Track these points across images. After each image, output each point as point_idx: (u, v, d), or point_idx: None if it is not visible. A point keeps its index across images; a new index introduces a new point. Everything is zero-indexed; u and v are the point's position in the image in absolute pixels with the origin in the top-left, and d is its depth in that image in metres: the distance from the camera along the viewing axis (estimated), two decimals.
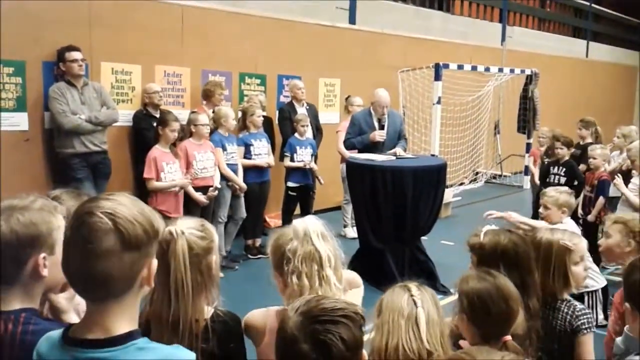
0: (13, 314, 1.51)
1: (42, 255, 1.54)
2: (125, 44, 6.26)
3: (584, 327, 2.38)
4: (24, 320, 1.50)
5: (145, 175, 5.34)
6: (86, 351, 1.28)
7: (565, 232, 2.62)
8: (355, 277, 2.44)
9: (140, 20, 6.37)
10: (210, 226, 1.97)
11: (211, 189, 5.74)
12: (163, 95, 6.41)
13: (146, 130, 5.99)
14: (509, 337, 1.88)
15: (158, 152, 5.41)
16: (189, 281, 1.79)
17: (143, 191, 5.32)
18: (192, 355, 1.38)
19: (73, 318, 1.67)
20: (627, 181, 5.54)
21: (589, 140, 7.22)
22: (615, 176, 5.67)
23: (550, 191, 4.11)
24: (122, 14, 6.21)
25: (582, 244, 2.57)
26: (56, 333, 1.36)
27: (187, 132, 5.82)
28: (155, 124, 5.72)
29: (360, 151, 6.36)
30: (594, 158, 6.09)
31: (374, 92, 6.47)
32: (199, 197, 5.60)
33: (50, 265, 1.54)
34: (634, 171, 5.51)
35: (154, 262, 1.35)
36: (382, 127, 6.37)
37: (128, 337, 1.30)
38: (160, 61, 6.65)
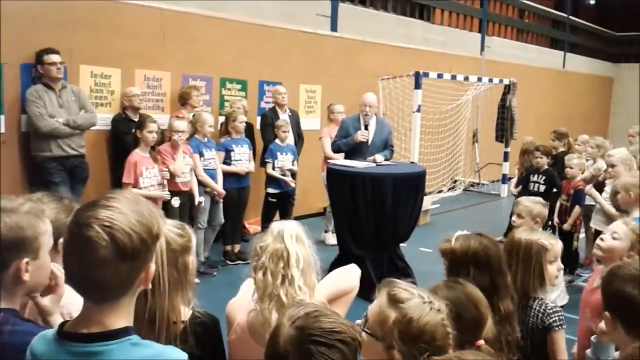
0: None
1: (25, 260, 1.51)
2: (105, 47, 6.20)
3: (555, 324, 2.45)
4: (2, 321, 1.48)
5: (124, 180, 5.29)
6: (81, 345, 1.28)
7: (543, 233, 2.70)
8: (347, 282, 2.39)
9: (121, 23, 6.32)
10: (188, 228, 1.97)
11: (175, 198, 5.64)
12: (143, 99, 6.35)
13: (125, 134, 5.93)
14: (482, 342, 1.90)
15: (138, 156, 5.36)
16: (166, 276, 1.77)
17: None
18: (185, 356, 1.37)
19: (59, 320, 1.65)
20: (599, 191, 5.62)
21: (561, 149, 7.33)
22: (590, 185, 5.76)
23: (524, 201, 4.06)
24: (102, 17, 6.15)
25: (558, 245, 2.66)
26: (50, 331, 1.36)
27: (166, 137, 5.79)
28: (133, 129, 5.67)
29: (346, 154, 6.50)
30: (571, 167, 6.18)
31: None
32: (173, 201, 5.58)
33: (33, 269, 1.52)
34: (607, 180, 5.59)
35: (152, 266, 1.35)
36: (366, 129, 6.48)
37: (123, 332, 1.30)
38: (141, 65, 6.60)
